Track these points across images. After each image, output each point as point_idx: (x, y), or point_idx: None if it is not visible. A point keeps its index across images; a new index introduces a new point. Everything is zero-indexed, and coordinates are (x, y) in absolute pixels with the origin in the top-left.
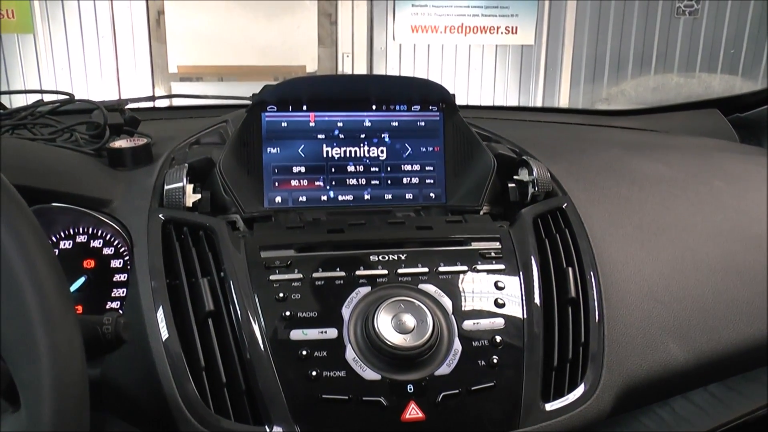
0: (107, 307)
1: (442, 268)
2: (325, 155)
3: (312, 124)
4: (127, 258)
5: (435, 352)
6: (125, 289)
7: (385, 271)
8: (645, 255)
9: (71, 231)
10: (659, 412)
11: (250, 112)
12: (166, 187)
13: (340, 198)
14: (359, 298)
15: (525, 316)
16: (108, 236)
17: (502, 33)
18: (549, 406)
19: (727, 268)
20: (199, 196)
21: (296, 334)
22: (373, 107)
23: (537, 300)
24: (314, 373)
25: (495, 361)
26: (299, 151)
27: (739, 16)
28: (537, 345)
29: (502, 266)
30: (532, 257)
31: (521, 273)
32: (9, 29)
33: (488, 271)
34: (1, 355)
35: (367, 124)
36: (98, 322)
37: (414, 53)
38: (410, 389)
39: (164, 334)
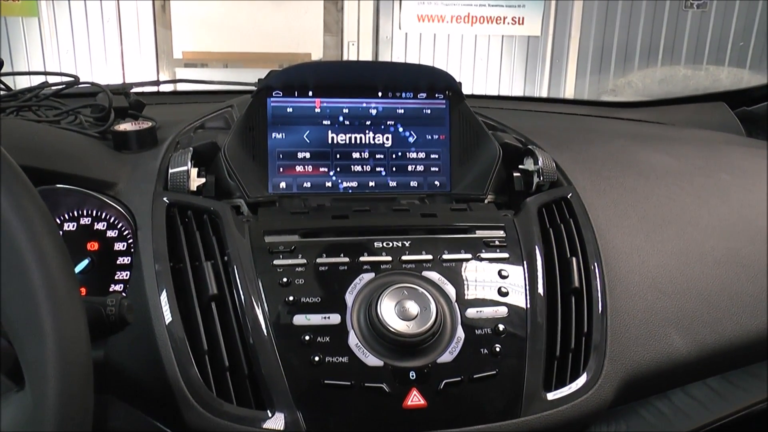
0: (110, 289)
1: (446, 256)
2: (330, 141)
3: (317, 110)
4: (131, 241)
5: (438, 339)
6: (129, 272)
7: (389, 258)
8: (649, 246)
9: (75, 213)
10: (658, 405)
11: (255, 97)
12: (170, 171)
13: (345, 184)
14: (363, 284)
15: (528, 305)
16: (112, 219)
17: (508, 23)
18: (551, 396)
19: (731, 261)
20: (203, 180)
21: (299, 319)
22: (379, 94)
23: (540, 289)
24: (317, 358)
25: (497, 349)
26: (304, 137)
27: (748, 9)
28: (540, 334)
29: (506, 255)
30: (537, 246)
31: (525, 262)
32: (14, 12)
33: (492, 260)
34: (7, 334)
35: (373, 111)
36: (102, 304)
37: (420, 42)
38: (412, 376)
39: (167, 318)
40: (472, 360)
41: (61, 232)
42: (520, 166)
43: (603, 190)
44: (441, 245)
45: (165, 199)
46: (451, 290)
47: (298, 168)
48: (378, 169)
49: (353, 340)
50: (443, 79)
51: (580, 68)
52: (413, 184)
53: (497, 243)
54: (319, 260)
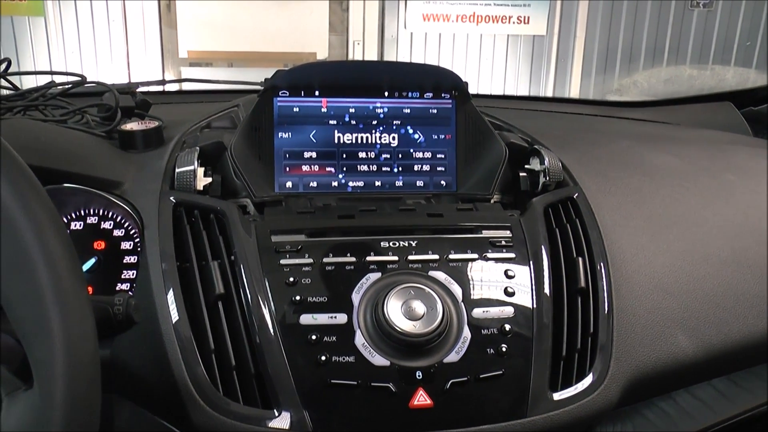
0: (117, 288)
1: (452, 256)
2: (336, 141)
3: (324, 109)
4: (137, 240)
5: (444, 339)
6: (135, 271)
7: (396, 258)
8: (655, 247)
9: (82, 212)
10: (662, 406)
11: (262, 97)
12: (177, 170)
13: (351, 184)
14: (369, 284)
15: (534, 305)
16: (119, 218)
17: (514, 23)
18: (557, 396)
19: (737, 262)
20: (210, 179)
21: (306, 319)
22: (386, 94)
23: (546, 289)
24: (323, 357)
25: (504, 349)
26: (311, 136)
27: (755, 9)
28: (546, 334)
29: (512, 255)
30: (543, 246)
31: (531, 262)
32: (20, 12)
33: (498, 260)
34: (15, 333)
35: (379, 110)
36: (109, 303)
37: (425, 42)
38: (419, 376)
39: (174, 317)
40: (479, 360)
41: (68, 231)
42: (526, 166)
43: (609, 191)
44: (447, 245)
45: (171, 198)
46: (457, 290)
47: (305, 167)
48: (384, 168)
49: (360, 339)
50: (449, 79)
51: (585, 68)
52: (419, 183)
53: (503, 243)
54: (325, 260)
